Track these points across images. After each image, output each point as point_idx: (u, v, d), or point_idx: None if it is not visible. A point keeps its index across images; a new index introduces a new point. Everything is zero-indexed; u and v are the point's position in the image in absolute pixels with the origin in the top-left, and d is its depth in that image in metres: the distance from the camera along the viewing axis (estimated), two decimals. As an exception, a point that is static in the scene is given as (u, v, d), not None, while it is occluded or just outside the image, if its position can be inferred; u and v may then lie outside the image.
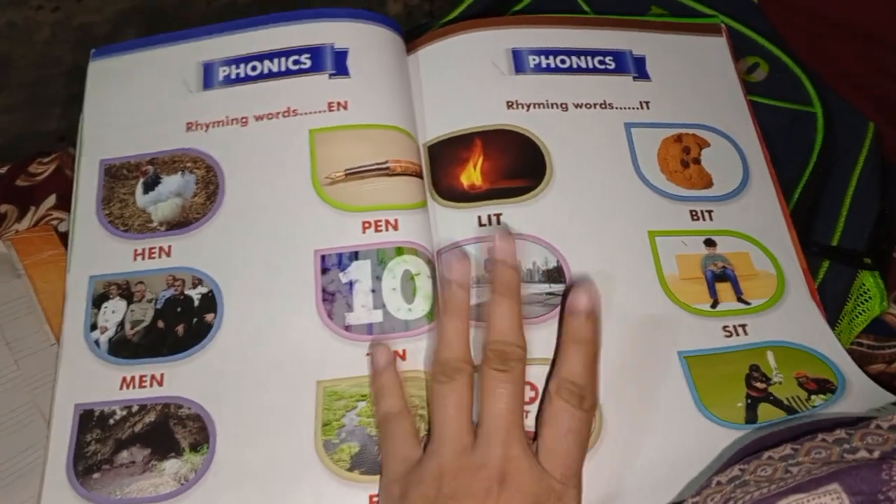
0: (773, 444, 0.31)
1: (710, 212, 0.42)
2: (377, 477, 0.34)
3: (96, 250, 0.40)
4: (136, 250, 0.40)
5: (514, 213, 0.41)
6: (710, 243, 0.41)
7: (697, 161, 0.44)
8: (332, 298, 0.38)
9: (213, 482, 0.34)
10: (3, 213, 0.46)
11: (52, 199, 0.47)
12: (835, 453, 0.29)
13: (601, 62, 0.46)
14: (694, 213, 0.42)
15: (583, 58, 0.46)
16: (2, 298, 0.42)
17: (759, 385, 0.37)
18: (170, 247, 0.40)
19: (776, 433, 0.32)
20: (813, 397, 0.36)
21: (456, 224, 0.40)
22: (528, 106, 0.44)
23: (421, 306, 0.38)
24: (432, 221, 0.41)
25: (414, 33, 0.47)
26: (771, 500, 0.27)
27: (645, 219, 0.41)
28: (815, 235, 0.43)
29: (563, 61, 0.46)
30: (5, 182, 0.47)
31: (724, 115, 0.45)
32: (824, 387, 0.37)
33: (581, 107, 0.44)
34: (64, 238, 0.45)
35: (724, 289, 0.40)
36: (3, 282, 0.43)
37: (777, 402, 0.36)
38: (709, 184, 0.43)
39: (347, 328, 0.37)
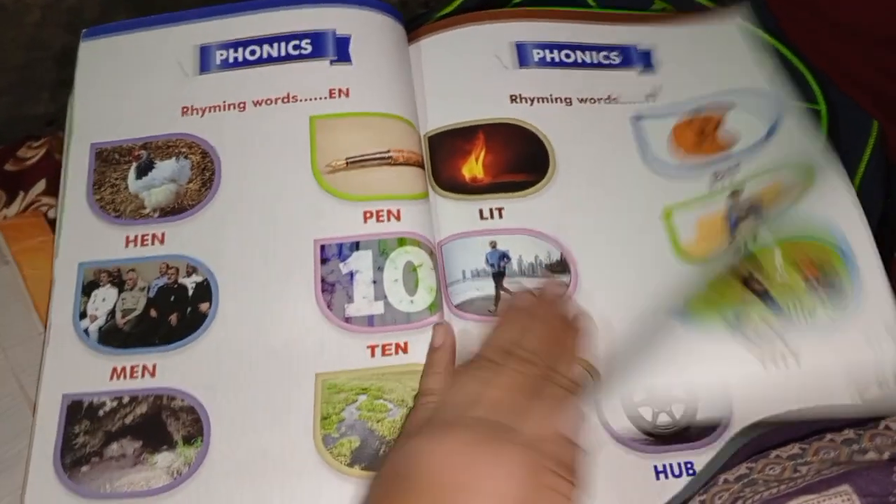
0: (778, 442, 0.30)
1: (736, 166, 0.41)
2: None
3: (86, 236, 0.39)
4: (127, 237, 0.39)
5: (516, 207, 0.40)
6: (734, 195, 0.40)
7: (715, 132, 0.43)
8: (332, 289, 0.37)
9: (207, 476, 0.33)
10: (-9, 198, 0.45)
11: (41, 185, 0.45)
12: (843, 453, 0.28)
13: (606, 57, 0.45)
14: (718, 174, 0.41)
15: (588, 52, 0.45)
16: (-12, 285, 0.41)
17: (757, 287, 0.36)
18: (163, 234, 0.39)
19: (781, 430, 0.32)
20: (818, 309, 0.35)
21: (457, 216, 0.40)
22: (532, 100, 0.43)
23: (423, 298, 0.37)
24: (433, 212, 0.40)
25: (413, 24, 0.46)
26: (781, 500, 0.27)
27: (654, 202, 0.41)
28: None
29: (567, 56, 0.45)
30: (-7, 167, 0.46)
31: (742, 81, 0.45)
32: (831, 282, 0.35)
33: (585, 101, 0.44)
34: (54, 224, 0.44)
35: (745, 223, 0.39)
36: (-10, 268, 0.42)
37: (774, 305, 0.35)
38: (732, 143, 0.42)
39: (347, 320, 0.36)
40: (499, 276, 0.38)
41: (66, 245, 0.39)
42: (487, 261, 0.38)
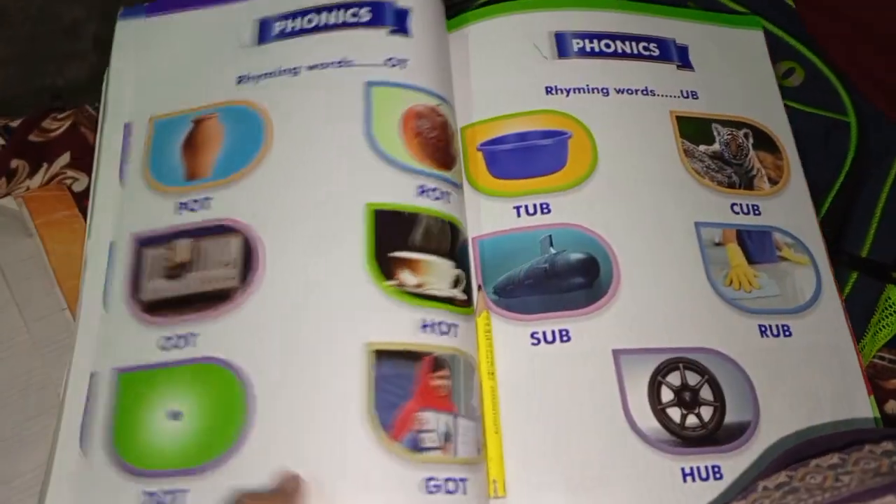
0: (816, 452, 0.31)
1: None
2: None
3: None
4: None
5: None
6: None
7: None
8: None
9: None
10: (14, 169, 0.44)
11: (66, 157, 0.44)
12: (884, 465, 0.28)
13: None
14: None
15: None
16: (13, 258, 0.41)
17: None
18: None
19: (818, 441, 0.32)
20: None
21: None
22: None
23: None
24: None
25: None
26: (826, 508, 0.27)
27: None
28: (845, 245, 0.43)
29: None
30: (17, 137, 0.45)
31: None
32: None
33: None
34: (78, 198, 0.43)
35: None
36: (14, 241, 0.41)
37: None
38: None
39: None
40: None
41: (98, 224, 0.38)
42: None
